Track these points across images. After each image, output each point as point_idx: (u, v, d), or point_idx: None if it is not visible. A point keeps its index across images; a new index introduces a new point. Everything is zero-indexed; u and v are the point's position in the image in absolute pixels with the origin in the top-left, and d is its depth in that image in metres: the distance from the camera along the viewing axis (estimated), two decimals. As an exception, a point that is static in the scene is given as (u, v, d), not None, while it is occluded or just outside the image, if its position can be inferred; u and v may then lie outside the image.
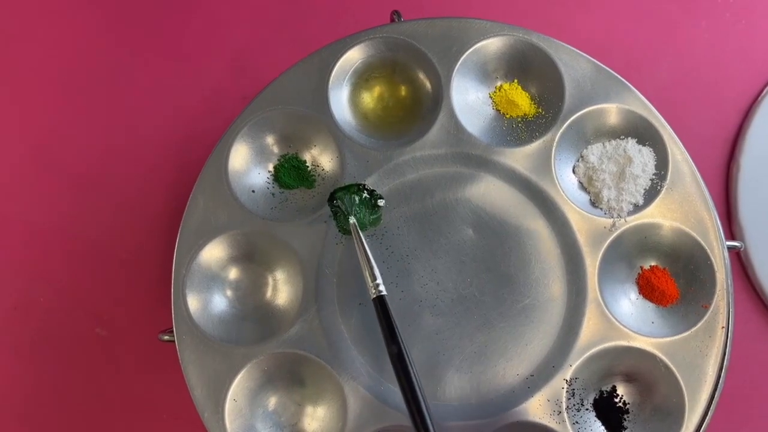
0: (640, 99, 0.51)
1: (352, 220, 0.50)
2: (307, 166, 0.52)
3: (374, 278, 0.48)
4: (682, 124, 0.53)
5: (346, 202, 0.50)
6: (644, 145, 0.51)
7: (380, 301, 0.48)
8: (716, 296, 0.49)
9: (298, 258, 0.50)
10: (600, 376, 0.50)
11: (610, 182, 0.51)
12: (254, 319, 0.51)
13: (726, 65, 0.63)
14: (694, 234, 0.50)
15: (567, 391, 0.49)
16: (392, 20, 0.55)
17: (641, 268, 0.52)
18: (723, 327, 0.49)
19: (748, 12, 0.64)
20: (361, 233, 0.49)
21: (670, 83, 0.63)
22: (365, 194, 0.50)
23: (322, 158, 0.52)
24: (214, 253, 0.51)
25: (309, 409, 0.51)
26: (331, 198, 0.50)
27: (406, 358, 0.46)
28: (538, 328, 0.50)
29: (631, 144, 0.51)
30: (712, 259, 0.50)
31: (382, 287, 0.48)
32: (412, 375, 0.46)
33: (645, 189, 0.51)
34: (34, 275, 0.62)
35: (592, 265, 0.50)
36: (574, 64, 0.52)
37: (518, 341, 0.50)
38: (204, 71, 0.64)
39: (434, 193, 0.51)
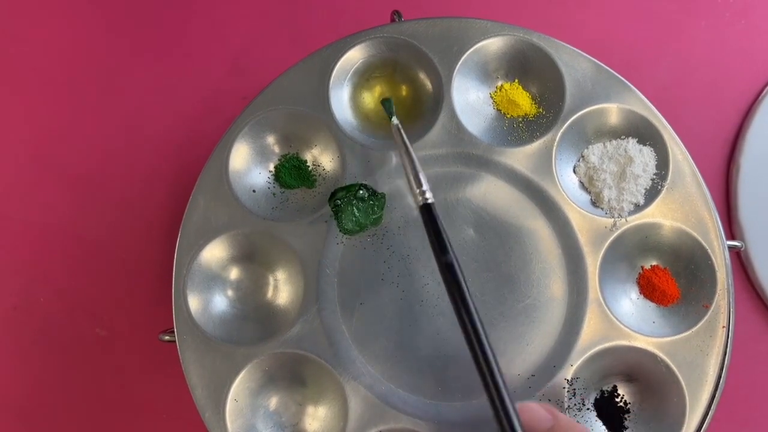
0: (641, 99, 0.51)
1: (395, 121, 0.48)
2: (308, 166, 0.52)
3: (419, 184, 0.46)
4: (682, 124, 0.53)
5: (387, 108, 0.48)
6: (645, 144, 0.52)
7: (426, 209, 0.45)
8: (717, 296, 0.49)
9: (298, 258, 0.50)
10: (601, 375, 0.50)
11: (610, 182, 0.51)
12: (255, 319, 0.51)
13: (726, 65, 0.63)
14: (694, 234, 0.50)
15: (568, 391, 0.49)
16: (392, 20, 0.55)
17: (642, 267, 0.52)
18: (724, 326, 0.49)
19: (748, 12, 0.64)
20: (404, 135, 0.47)
21: (670, 83, 0.63)
22: (366, 194, 0.50)
23: (322, 158, 0.52)
24: (214, 252, 0.51)
25: (310, 409, 0.51)
26: (332, 198, 0.50)
27: (457, 269, 0.44)
28: (539, 328, 0.50)
29: (631, 144, 0.51)
30: (713, 258, 0.50)
31: (428, 194, 0.46)
32: (464, 286, 0.43)
33: (646, 189, 0.51)
34: (34, 275, 0.62)
35: (592, 264, 0.50)
36: (574, 64, 0.52)
37: (519, 341, 0.50)
38: (204, 71, 0.64)
39: (435, 193, 0.51)
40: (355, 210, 0.50)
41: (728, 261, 0.50)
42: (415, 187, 0.47)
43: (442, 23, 0.52)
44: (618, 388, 0.51)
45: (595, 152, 0.52)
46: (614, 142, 0.52)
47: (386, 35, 0.52)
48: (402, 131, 0.48)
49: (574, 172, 0.53)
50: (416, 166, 0.47)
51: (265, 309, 0.51)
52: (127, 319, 0.61)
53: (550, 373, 0.49)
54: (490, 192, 0.51)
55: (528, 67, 0.53)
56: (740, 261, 0.61)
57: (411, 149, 0.48)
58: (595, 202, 0.52)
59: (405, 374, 0.50)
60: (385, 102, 0.51)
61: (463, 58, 0.52)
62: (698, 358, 0.49)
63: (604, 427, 0.50)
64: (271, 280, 0.52)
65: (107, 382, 0.61)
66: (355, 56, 0.52)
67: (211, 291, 0.51)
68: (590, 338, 0.50)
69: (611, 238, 0.50)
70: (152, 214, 0.62)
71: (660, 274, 0.51)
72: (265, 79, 0.53)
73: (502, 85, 0.53)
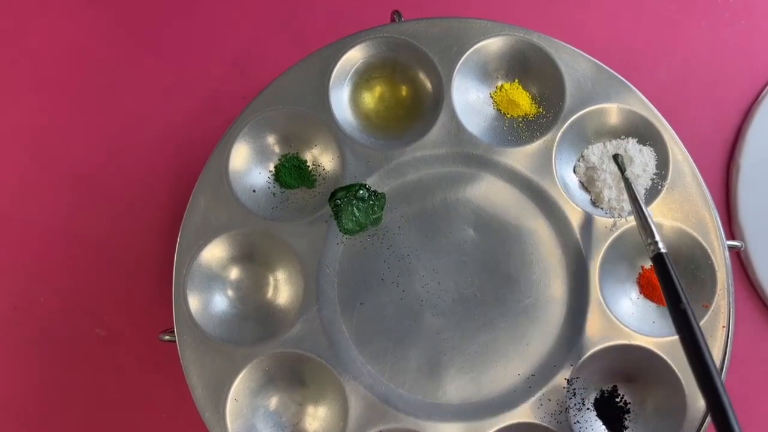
0: (641, 99, 0.51)
1: (627, 175, 0.49)
2: (308, 166, 0.52)
3: (652, 236, 0.46)
4: (682, 124, 0.53)
5: (619, 163, 0.48)
6: (645, 144, 0.52)
7: (658, 259, 0.46)
8: (717, 296, 0.49)
9: (298, 258, 0.50)
10: (601, 375, 0.50)
11: (610, 182, 0.51)
12: (255, 318, 0.51)
13: (726, 65, 0.63)
14: (694, 234, 0.50)
15: (568, 391, 0.49)
16: (392, 20, 0.55)
17: (642, 267, 0.52)
18: (724, 326, 0.49)
19: (748, 12, 0.64)
20: (634, 188, 0.48)
21: (670, 83, 0.63)
22: (366, 194, 0.50)
23: (322, 158, 0.52)
24: (214, 252, 0.51)
25: (310, 409, 0.51)
26: (332, 197, 0.50)
27: (691, 317, 0.43)
28: (539, 328, 0.50)
29: (631, 144, 0.51)
30: (713, 258, 0.50)
31: (660, 245, 0.46)
32: (698, 333, 0.42)
33: (646, 189, 0.51)
34: (34, 275, 0.62)
35: (592, 264, 0.50)
36: (574, 64, 0.52)
37: (519, 341, 0.50)
38: (204, 71, 0.64)
39: (435, 193, 0.51)
40: (355, 210, 0.50)
41: (728, 261, 0.50)
42: (646, 238, 0.47)
43: (442, 23, 0.52)
44: (618, 388, 0.51)
45: (595, 152, 0.52)
46: (614, 142, 0.52)
47: (386, 35, 0.52)
48: (632, 185, 0.49)
49: (574, 172, 0.53)
50: (647, 218, 0.47)
51: (265, 309, 0.51)
52: (127, 319, 0.61)
53: (550, 373, 0.49)
54: (490, 192, 0.51)
55: (528, 67, 0.53)
56: (740, 261, 0.61)
57: (640, 200, 0.48)
58: (595, 202, 0.52)
59: (405, 374, 0.50)
60: (616, 157, 0.51)
61: (463, 58, 0.52)
62: (698, 358, 0.49)
63: (604, 427, 0.50)
64: (271, 280, 0.52)
65: (107, 382, 0.61)
66: (355, 56, 0.52)
67: (211, 291, 0.51)
68: (590, 338, 0.50)
69: (611, 238, 0.50)
70: (152, 214, 0.62)
71: (660, 274, 0.51)
72: (265, 79, 0.53)
73: (502, 85, 0.53)
